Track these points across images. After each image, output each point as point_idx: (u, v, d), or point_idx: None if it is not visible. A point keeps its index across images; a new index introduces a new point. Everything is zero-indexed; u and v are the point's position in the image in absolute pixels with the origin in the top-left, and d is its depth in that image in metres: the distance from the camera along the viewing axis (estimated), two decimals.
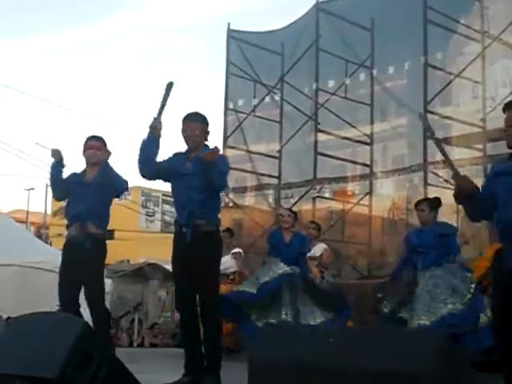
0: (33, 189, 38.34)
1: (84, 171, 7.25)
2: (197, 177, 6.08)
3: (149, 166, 6.33)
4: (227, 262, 10.92)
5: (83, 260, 6.89)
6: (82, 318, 5.77)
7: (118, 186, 7.30)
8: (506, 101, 4.78)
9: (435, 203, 8.53)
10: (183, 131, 6.30)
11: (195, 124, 6.31)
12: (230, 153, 17.28)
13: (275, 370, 2.96)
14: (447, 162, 5.17)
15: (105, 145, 7.24)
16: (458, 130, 14.30)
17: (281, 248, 9.79)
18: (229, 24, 17.67)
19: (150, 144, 6.29)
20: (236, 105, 17.79)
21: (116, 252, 29.57)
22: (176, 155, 6.41)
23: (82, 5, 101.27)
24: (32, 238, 18.57)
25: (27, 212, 33.36)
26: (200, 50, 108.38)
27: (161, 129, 6.31)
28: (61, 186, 7.31)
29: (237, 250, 11.44)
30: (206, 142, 6.36)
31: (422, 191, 13.05)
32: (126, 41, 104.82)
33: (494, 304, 4.87)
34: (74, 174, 7.33)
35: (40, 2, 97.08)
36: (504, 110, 4.72)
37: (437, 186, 13.77)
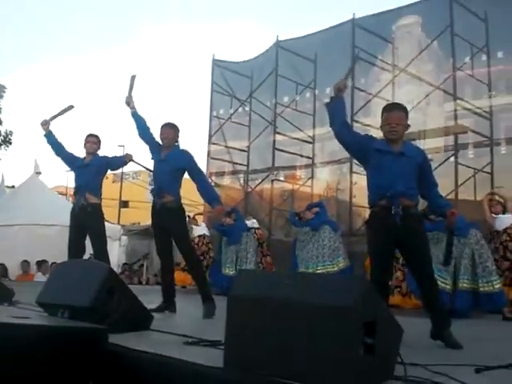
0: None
1: (83, 158, 7.15)
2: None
3: (141, 129, 6.44)
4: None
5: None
6: (109, 263, 5.76)
7: (115, 161, 7.33)
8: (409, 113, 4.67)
9: None
10: (161, 134, 6.32)
11: (170, 130, 6.33)
12: (213, 147, 17.35)
13: (248, 304, 2.99)
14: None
15: (99, 140, 7.23)
16: (375, 134, 14.29)
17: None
18: (213, 55, 17.77)
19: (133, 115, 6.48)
20: (218, 113, 17.83)
21: (130, 216, 29.54)
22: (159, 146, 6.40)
23: None
24: (70, 206, 18.46)
25: (66, 187, 33.00)
26: (193, 74, 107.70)
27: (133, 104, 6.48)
28: (62, 150, 7.17)
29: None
30: (176, 143, 6.39)
31: (348, 177, 13.11)
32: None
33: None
34: (76, 157, 7.23)
35: None
36: (389, 110, 4.60)
37: (359, 174, 13.85)
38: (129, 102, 6.54)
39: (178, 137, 6.40)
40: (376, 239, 4.52)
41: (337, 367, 2.60)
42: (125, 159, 7.34)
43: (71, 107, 7.11)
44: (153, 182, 6.62)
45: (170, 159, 6.24)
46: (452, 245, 6.23)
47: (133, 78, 6.66)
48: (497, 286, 6.85)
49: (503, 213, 7.65)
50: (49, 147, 7.12)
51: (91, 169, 6.99)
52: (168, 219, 6.17)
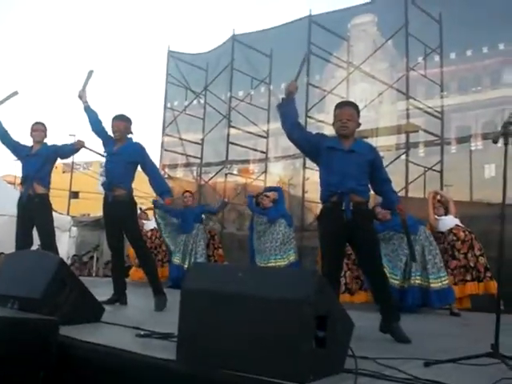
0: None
1: (31, 147, 7.04)
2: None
3: (93, 123, 6.42)
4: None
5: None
6: (58, 255, 5.68)
7: (64, 149, 7.18)
8: (361, 112, 4.75)
9: None
10: (112, 127, 6.32)
11: (121, 122, 6.32)
12: (167, 139, 17.23)
13: (201, 297, 3.00)
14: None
15: (46, 128, 7.14)
16: (329, 130, 14.45)
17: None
18: (169, 46, 17.62)
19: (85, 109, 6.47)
20: (172, 105, 17.69)
21: (80, 207, 29.20)
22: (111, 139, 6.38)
23: None
24: (18, 195, 18.14)
25: (15, 176, 32.47)
26: (147, 64, 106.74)
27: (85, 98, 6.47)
28: (8, 139, 7.01)
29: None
30: (128, 135, 6.39)
31: (301, 172, 13.20)
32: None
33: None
34: (23, 146, 7.09)
35: None
36: (340, 107, 4.68)
37: (312, 169, 13.96)
38: (81, 95, 6.52)
39: (129, 129, 6.38)
40: (326, 235, 4.59)
41: (289, 360, 2.64)
42: (75, 146, 7.18)
43: (15, 93, 6.99)
44: (104, 174, 6.57)
45: (123, 152, 6.21)
46: (410, 239, 6.36)
47: (90, 73, 6.65)
48: (445, 283, 7.03)
49: (445, 214, 7.86)
50: None
51: (39, 158, 6.87)
52: (120, 212, 6.15)
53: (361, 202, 4.50)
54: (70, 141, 7.84)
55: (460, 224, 7.75)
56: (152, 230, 10.95)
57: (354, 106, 4.74)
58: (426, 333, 5.02)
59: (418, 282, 7.04)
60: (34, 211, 6.78)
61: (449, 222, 7.76)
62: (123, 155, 6.19)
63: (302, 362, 2.63)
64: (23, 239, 6.77)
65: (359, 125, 4.68)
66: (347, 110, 4.64)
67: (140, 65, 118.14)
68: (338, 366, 2.92)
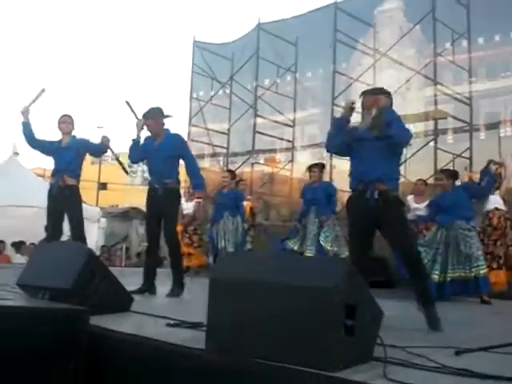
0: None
1: (60, 140, 7.16)
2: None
3: (134, 155, 6.56)
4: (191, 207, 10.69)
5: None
6: (88, 246, 5.74)
7: (93, 148, 7.38)
8: None
9: (453, 173, 7.58)
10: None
11: (148, 121, 6.38)
12: (193, 129, 17.28)
13: (230, 286, 3.00)
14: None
15: (73, 120, 7.22)
16: (355, 118, 14.40)
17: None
18: (194, 36, 17.66)
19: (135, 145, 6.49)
20: (198, 95, 17.76)
21: (109, 199, 29.40)
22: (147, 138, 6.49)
23: None
24: (47, 187, 18.35)
25: (44, 169, 32.83)
26: (173, 54, 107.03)
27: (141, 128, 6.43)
28: (37, 142, 7.12)
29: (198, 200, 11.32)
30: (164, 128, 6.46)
31: (328, 161, 13.13)
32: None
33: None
34: (51, 142, 7.21)
35: None
36: (363, 95, 4.72)
37: (339, 158, 13.88)
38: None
39: (161, 123, 6.42)
40: (352, 222, 4.65)
41: (317, 348, 2.63)
42: (103, 148, 7.30)
43: (43, 91, 7.08)
44: (148, 172, 6.63)
45: (162, 148, 6.32)
46: None
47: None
48: (482, 272, 6.93)
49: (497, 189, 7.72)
50: (23, 136, 7.07)
51: (70, 151, 6.98)
52: (166, 203, 6.27)
53: (386, 189, 4.48)
54: (97, 133, 7.95)
55: (500, 207, 7.58)
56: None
57: (378, 91, 4.78)
58: (456, 321, 4.97)
59: (455, 274, 7.01)
60: (65, 203, 6.86)
61: (492, 201, 7.61)
62: (163, 151, 6.25)
63: (331, 351, 2.62)
64: (53, 230, 6.87)
65: (387, 105, 4.63)
66: (369, 97, 4.65)
67: (166, 55, 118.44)
68: (367, 354, 2.90)
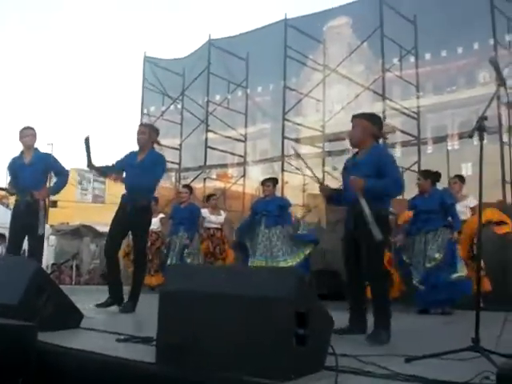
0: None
1: (21, 155, 7.03)
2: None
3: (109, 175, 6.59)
4: (156, 223, 10.62)
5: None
6: (33, 259, 5.63)
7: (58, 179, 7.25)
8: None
9: (431, 174, 7.43)
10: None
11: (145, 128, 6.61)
12: None
13: (180, 299, 2.98)
14: (314, 176, 5.29)
15: (35, 132, 7.09)
16: (306, 132, 14.57)
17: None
18: (145, 52, 17.64)
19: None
20: (149, 110, 17.68)
21: (59, 216, 28.95)
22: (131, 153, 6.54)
23: None
24: None
25: None
26: (123, 70, 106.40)
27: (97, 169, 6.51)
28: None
29: (162, 215, 11.27)
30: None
31: (280, 175, 13.19)
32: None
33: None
34: (14, 159, 7.08)
35: None
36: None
37: (290, 172, 14.03)
38: (92, 168, 6.49)
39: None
40: (343, 239, 4.93)
41: (269, 358, 2.62)
42: (64, 183, 7.20)
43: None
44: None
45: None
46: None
47: (87, 140, 6.33)
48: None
49: None
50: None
51: (36, 168, 6.87)
52: (138, 218, 6.29)
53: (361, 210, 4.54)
54: (47, 150, 7.76)
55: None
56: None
57: (361, 115, 4.92)
58: (406, 330, 5.01)
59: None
60: (32, 218, 6.75)
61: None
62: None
63: (283, 360, 2.62)
64: (15, 248, 6.77)
65: (375, 131, 4.80)
66: (353, 123, 4.85)
67: (116, 70, 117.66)
68: (319, 363, 2.91)
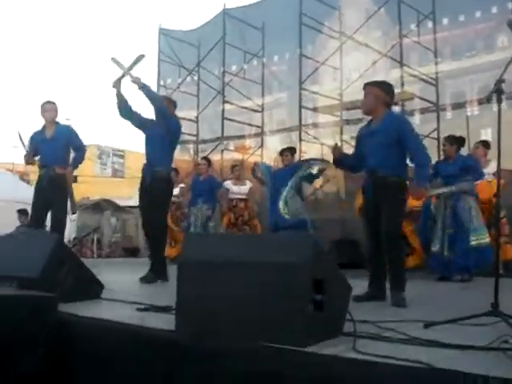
0: (16, 147, 37.02)
1: (43, 129, 7.08)
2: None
3: (123, 110, 6.40)
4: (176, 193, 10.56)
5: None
6: (55, 233, 5.69)
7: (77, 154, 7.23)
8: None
9: (456, 139, 7.33)
10: None
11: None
12: None
13: (197, 268, 3.00)
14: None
15: (56, 107, 7.10)
16: (323, 101, 14.46)
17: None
18: (160, 24, 17.52)
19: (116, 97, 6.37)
20: (166, 82, 17.60)
21: (79, 191, 29.12)
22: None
23: None
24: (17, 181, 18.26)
25: (13, 164, 32.51)
26: (139, 42, 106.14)
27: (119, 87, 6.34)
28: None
29: (182, 185, 11.29)
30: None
31: (297, 145, 13.13)
32: None
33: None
34: (35, 133, 7.12)
35: None
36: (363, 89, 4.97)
37: (308, 142, 13.96)
38: (116, 86, 6.37)
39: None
40: (363, 208, 5.10)
41: (287, 324, 2.64)
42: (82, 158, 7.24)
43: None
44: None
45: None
46: None
47: (140, 57, 6.33)
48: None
49: None
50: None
51: (57, 143, 6.94)
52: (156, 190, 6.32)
53: (384, 177, 4.70)
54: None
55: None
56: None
57: (373, 83, 5.01)
58: (425, 297, 5.02)
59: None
60: (54, 192, 6.81)
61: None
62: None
63: (301, 326, 2.63)
64: (37, 223, 6.84)
65: (387, 99, 4.88)
66: (365, 91, 4.93)
67: (132, 43, 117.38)
68: (337, 329, 2.92)
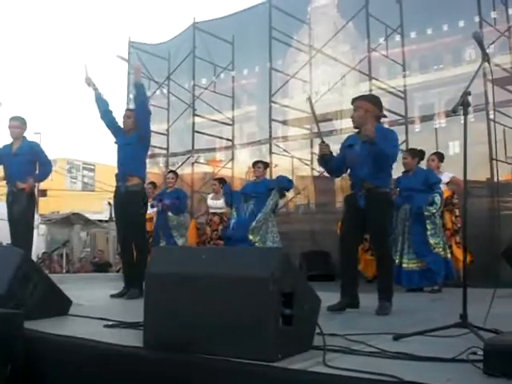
0: None
1: (11, 144, 7.05)
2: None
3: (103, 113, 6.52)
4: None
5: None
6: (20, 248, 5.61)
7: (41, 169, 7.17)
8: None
9: (417, 152, 7.58)
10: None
11: (132, 112, 6.63)
12: None
13: (165, 281, 2.96)
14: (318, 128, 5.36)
15: (23, 124, 7.07)
16: (293, 114, 14.51)
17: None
18: (129, 37, 17.47)
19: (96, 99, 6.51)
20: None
21: (49, 205, 28.84)
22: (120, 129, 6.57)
23: None
24: None
25: None
26: (108, 55, 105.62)
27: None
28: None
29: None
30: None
31: (268, 158, 13.15)
32: None
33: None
34: (4, 146, 7.10)
35: None
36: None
37: (278, 154, 14.00)
38: (89, 82, 6.43)
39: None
40: (344, 216, 5.19)
41: (256, 339, 2.62)
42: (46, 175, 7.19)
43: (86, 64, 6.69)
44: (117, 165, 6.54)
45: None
46: None
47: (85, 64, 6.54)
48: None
49: None
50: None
51: (21, 158, 6.88)
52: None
53: (373, 187, 4.84)
54: (35, 139, 7.75)
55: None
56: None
57: (362, 98, 5.25)
58: (395, 309, 5.03)
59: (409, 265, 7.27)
60: (17, 208, 6.79)
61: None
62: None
63: (270, 341, 2.61)
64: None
65: (376, 112, 5.05)
66: (354, 105, 5.10)
67: (102, 56, 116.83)
68: (307, 343, 2.91)
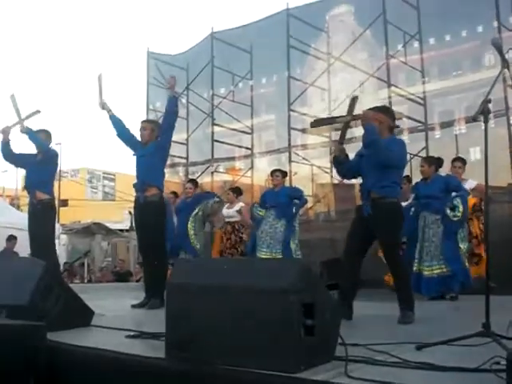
0: (6, 171, 37.15)
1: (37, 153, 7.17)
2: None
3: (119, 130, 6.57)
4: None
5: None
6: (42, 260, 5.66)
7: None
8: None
9: (435, 160, 7.45)
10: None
11: (148, 124, 6.69)
12: None
13: (187, 292, 2.97)
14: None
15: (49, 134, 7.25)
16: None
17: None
18: (148, 48, 17.59)
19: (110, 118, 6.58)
20: (154, 106, 17.61)
21: (70, 215, 29.05)
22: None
23: None
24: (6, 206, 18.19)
25: (3, 188, 32.35)
26: (128, 66, 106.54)
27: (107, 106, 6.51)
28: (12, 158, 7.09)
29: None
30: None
31: (287, 166, 13.16)
32: None
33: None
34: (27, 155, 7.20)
35: None
36: None
37: (297, 162, 14.01)
38: (103, 105, 6.51)
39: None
40: (350, 227, 5.12)
41: (278, 350, 2.61)
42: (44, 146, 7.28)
43: (37, 112, 6.85)
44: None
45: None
46: None
47: (99, 78, 6.57)
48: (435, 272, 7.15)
49: None
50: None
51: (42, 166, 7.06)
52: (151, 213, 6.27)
53: (379, 198, 4.81)
54: (57, 149, 7.84)
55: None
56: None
57: (376, 109, 5.10)
58: (417, 318, 5.00)
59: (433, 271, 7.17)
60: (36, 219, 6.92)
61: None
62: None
63: (292, 352, 2.61)
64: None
65: (390, 122, 5.01)
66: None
67: (121, 68, 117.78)
68: (329, 353, 2.89)
